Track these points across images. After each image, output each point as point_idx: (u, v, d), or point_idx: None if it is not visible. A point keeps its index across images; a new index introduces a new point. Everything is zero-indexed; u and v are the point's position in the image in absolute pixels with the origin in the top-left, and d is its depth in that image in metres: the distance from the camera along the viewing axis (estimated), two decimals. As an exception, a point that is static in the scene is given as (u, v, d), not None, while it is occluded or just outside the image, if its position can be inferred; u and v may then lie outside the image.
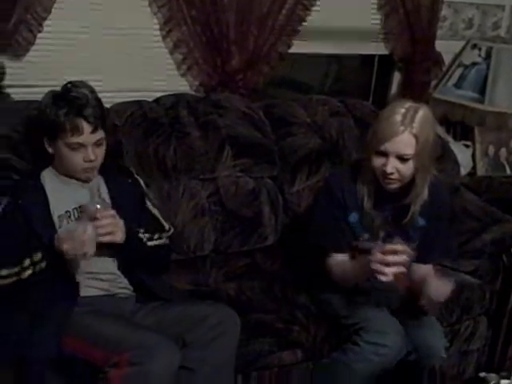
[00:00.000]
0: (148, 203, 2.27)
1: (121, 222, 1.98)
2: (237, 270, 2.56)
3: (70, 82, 2.08)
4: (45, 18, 2.51)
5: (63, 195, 2.08)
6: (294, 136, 2.79)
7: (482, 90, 3.27)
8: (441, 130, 3.43)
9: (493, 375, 2.09)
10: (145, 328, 1.98)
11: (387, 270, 1.91)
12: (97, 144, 2.04)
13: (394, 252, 1.92)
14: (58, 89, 2.09)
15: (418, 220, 2.17)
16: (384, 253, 1.92)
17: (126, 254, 2.05)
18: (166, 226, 2.28)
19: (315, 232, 2.25)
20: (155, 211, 2.28)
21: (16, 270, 1.91)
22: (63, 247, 1.86)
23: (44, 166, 2.14)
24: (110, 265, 2.09)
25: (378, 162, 2.06)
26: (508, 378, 2.05)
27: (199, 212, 2.58)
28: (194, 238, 2.57)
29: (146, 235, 2.16)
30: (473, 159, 3.45)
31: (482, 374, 2.30)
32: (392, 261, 1.91)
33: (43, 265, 1.92)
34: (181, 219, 2.54)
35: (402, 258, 1.92)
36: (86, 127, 1.99)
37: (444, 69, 3.44)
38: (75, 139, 1.99)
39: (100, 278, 2.06)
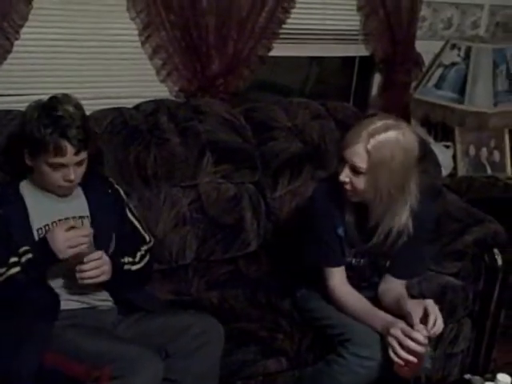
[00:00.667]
0: (129, 214, 2.24)
1: (106, 262, 1.96)
2: (219, 278, 2.54)
3: (55, 97, 2.04)
4: (22, 26, 2.47)
5: (42, 208, 2.05)
6: (275, 140, 2.78)
7: (461, 90, 3.27)
8: (422, 132, 3.45)
9: (477, 378, 2.08)
10: (127, 340, 1.96)
11: (402, 352, 1.91)
12: (79, 164, 2.02)
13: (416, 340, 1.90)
14: (43, 99, 2.04)
15: (403, 236, 2.15)
16: (404, 333, 1.91)
17: (110, 283, 2.02)
18: (147, 238, 2.26)
19: (309, 250, 2.22)
20: (136, 222, 2.25)
21: (2, 270, 1.89)
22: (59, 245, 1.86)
23: (22, 177, 2.12)
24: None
25: (339, 169, 2.06)
26: (492, 380, 2.05)
27: (181, 220, 2.56)
28: (176, 246, 2.55)
29: (130, 259, 2.12)
30: (454, 160, 3.46)
31: (467, 376, 2.30)
32: (411, 347, 1.90)
33: (30, 256, 1.89)
34: (162, 228, 2.52)
35: (420, 348, 1.91)
36: (70, 149, 1.96)
37: (424, 69, 3.43)
38: (57, 160, 1.97)
39: (80, 292, 2.03)
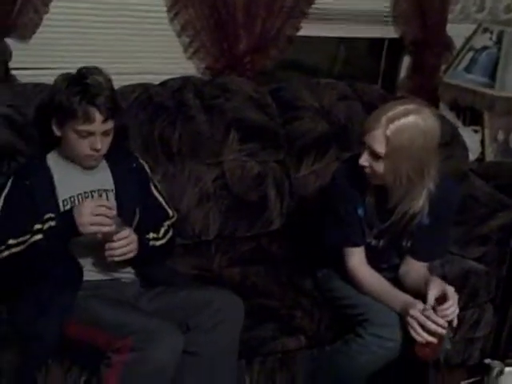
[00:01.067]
0: (153, 189, 2.26)
1: (134, 239, 1.98)
2: (242, 255, 2.55)
3: (84, 68, 2.06)
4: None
5: (68, 180, 2.08)
6: (300, 120, 2.77)
7: (492, 75, 3.21)
8: (450, 116, 3.41)
9: (497, 362, 2.08)
10: (148, 313, 1.98)
11: (423, 333, 1.91)
12: (105, 133, 2.03)
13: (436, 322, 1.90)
14: (64, 71, 2.06)
15: (424, 219, 2.14)
16: (423, 314, 1.91)
17: (135, 258, 2.03)
18: (170, 213, 2.27)
19: (330, 230, 2.21)
20: (159, 197, 2.26)
21: (26, 237, 1.91)
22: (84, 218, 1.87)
23: (49, 149, 2.14)
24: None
25: (361, 152, 2.05)
26: (512, 366, 2.04)
27: (204, 196, 2.57)
28: (199, 222, 2.56)
29: (154, 235, 2.14)
30: (482, 145, 3.42)
31: (487, 361, 2.29)
32: (431, 329, 1.91)
33: (52, 223, 1.91)
34: (186, 203, 2.53)
35: (440, 330, 1.91)
36: (98, 117, 1.98)
37: (454, 53, 3.38)
38: (85, 127, 1.98)
39: (104, 263, 2.05)
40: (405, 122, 1.94)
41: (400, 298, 2.06)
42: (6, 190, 2.02)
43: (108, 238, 1.93)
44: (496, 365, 2.01)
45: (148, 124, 2.50)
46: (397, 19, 3.24)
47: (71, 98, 1.97)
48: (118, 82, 2.51)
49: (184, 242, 2.49)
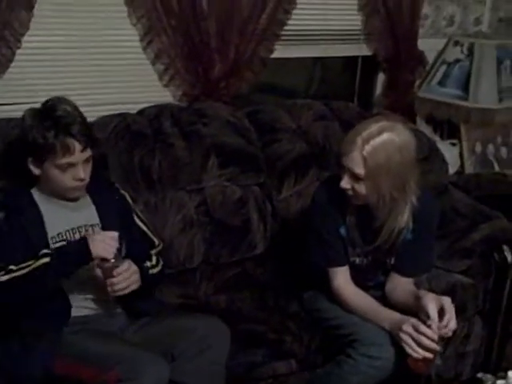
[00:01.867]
0: (136, 219, 2.24)
1: (135, 270, 1.96)
2: (227, 281, 2.53)
3: (49, 100, 2.03)
4: (23, 34, 2.47)
5: (55, 216, 2.04)
6: (279, 142, 2.77)
7: (465, 87, 3.25)
8: (427, 130, 3.43)
9: (489, 376, 2.06)
10: (133, 344, 1.96)
11: (418, 349, 1.90)
12: (86, 161, 2.01)
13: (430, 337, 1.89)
14: (37, 106, 2.03)
15: (407, 234, 2.15)
16: (416, 329, 1.90)
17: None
18: (156, 241, 2.26)
19: (312, 251, 2.21)
20: (143, 227, 2.25)
21: (29, 262, 1.88)
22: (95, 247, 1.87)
23: (30, 186, 2.10)
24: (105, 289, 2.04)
25: (341, 175, 2.04)
26: (504, 378, 2.03)
27: (187, 224, 2.55)
28: (184, 250, 2.54)
29: (150, 263, 2.13)
30: (460, 157, 3.44)
31: (480, 375, 2.27)
32: (425, 344, 1.90)
33: (47, 259, 1.88)
34: (169, 232, 2.52)
35: (434, 346, 1.90)
36: (77, 146, 1.95)
37: (428, 67, 3.42)
38: (66, 160, 1.95)
39: (92, 298, 2.04)
40: (380, 141, 1.95)
41: (388, 315, 2.06)
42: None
43: (108, 273, 1.90)
44: (488, 379, 2.00)
45: (127, 153, 2.49)
46: (369, 36, 3.27)
47: (46, 134, 1.93)
48: (94, 113, 2.54)
49: (168, 271, 2.45)
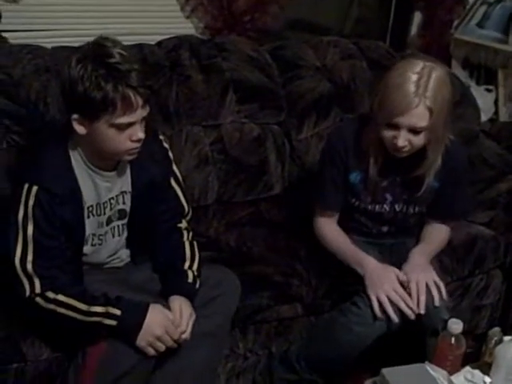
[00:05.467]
0: (173, 181, 2.03)
1: (191, 315, 1.82)
2: (239, 220, 2.48)
3: (97, 42, 1.67)
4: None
5: (87, 187, 1.80)
6: (302, 79, 2.65)
7: (506, 30, 3.10)
8: (462, 74, 3.28)
9: (496, 330, 1.99)
10: (139, 288, 1.89)
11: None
12: (144, 119, 1.71)
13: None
14: (84, 53, 1.64)
15: (433, 183, 2.07)
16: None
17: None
18: (186, 209, 2.08)
19: (313, 190, 2.19)
20: (178, 190, 2.05)
21: (99, 309, 1.72)
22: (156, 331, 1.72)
23: (66, 142, 1.78)
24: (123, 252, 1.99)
25: (388, 133, 1.91)
26: (512, 334, 1.95)
27: (202, 160, 2.48)
28: (198, 186, 2.47)
29: (187, 264, 1.93)
30: (495, 104, 3.30)
31: (496, 329, 2.20)
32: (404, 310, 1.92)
33: (113, 323, 1.71)
34: (184, 167, 2.43)
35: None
36: (139, 101, 1.64)
37: (467, 7, 3.24)
38: (126, 118, 1.64)
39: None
40: (436, 83, 1.85)
41: (367, 259, 2.03)
42: (30, 226, 1.70)
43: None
44: (495, 333, 1.93)
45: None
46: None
47: (103, 85, 1.59)
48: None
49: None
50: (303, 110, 2.64)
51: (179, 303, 1.80)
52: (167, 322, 1.74)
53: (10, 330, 1.85)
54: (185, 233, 2.01)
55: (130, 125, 1.66)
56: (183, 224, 2.04)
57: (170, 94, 2.43)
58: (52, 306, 1.71)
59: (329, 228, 2.15)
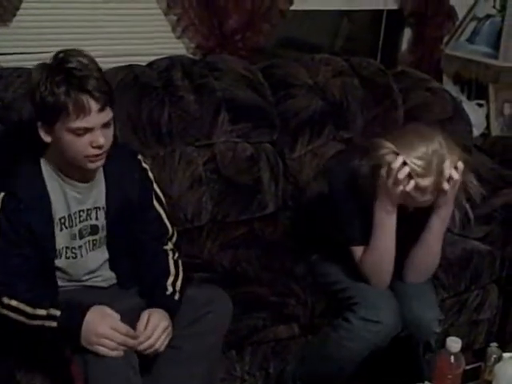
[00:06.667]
0: (154, 201, 1.99)
1: (162, 325, 1.75)
2: (233, 240, 2.47)
3: (61, 51, 1.72)
4: (30, -20, 2.41)
5: (56, 196, 1.81)
6: (294, 98, 2.66)
7: (496, 45, 3.11)
8: (453, 89, 3.29)
9: (495, 348, 1.97)
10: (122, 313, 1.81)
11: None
12: (106, 126, 1.71)
13: None
14: (48, 61, 1.71)
15: None
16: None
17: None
18: (170, 230, 2.02)
19: (337, 231, 2.11)
20: (161, 210, 2.01)
21: (42, 313, 1.69)
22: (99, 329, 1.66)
23: (39, 154, 1.81)
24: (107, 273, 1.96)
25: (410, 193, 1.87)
26: (512, 351, 1.94)
27: (196, 180, 2.48)
28: (191, 207, 2.47)
29: (170, 279, 1.90)
30: (487, 119, 3.30)
31: (493, 345, 2.19)
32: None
33: (53, 324, 1.68)
34: (177, 188, 2.44)
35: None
36: (93, 105, 1.65)
37: (457, 23, 3.26)
38: (80, 123, 1.65)
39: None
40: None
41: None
42: None
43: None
44: (493, 350, 1.91)
45: (135, 105, 2.39)
46: (396, -12, 3.12)
47: (55, 90, 1.63)
48: (103, 65, 2.43)
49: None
50: (296, 128, 2.64)
51: (149, 313, 1.75)
52: (112, 320, 1.69)
53: (5, 357, 1.83)
54: (170, 253, 1.98)
55: (88, 130, 1.68)
56: (169, 246, 2.00)
57: (163, 114, 2.43)
58: (5, 312, 1.72)
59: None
